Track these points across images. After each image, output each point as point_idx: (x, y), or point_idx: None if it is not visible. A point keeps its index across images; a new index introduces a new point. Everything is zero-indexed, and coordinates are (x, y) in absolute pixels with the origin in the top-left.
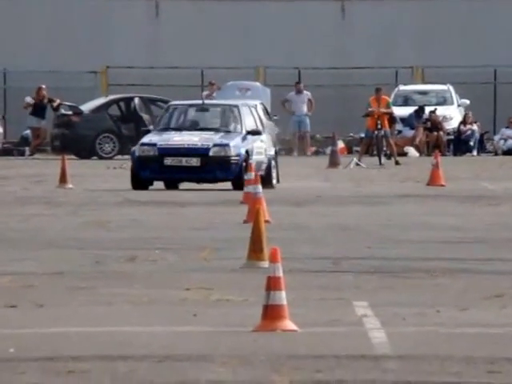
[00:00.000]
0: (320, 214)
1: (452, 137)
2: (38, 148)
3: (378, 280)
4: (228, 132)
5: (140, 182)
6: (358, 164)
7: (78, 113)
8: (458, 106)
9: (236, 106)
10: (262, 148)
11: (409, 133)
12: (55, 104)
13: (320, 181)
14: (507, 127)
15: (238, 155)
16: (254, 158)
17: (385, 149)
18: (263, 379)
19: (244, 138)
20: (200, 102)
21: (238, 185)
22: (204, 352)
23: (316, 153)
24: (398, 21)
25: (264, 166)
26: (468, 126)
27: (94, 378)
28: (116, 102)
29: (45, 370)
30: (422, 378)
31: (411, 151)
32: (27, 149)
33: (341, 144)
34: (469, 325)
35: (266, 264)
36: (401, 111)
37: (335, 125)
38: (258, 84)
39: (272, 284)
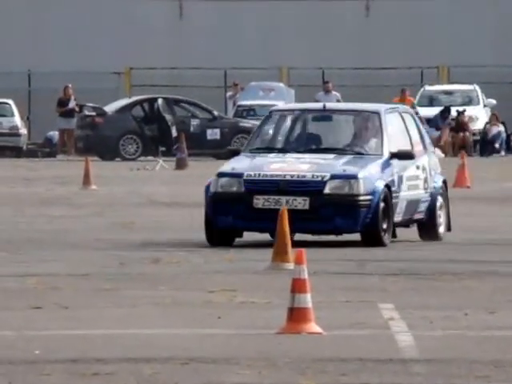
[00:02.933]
0: None
1: (478, 137)
2: (62, 150)
3: (404, 282)
4: (360, 155)
5: (218, 233)
6: None
7: (102, 114)
8: (485, 106)
9: (376, 113)
10: (418, 179)
11: (434, 134)
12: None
13: None
14: None
15: (372, 193)
16: (404, 196)
17: None
18: (288, 382)
19: (385, 165)
20: (320, 105)
21: (372, 239)
22: (228, 354)
23: None
24: (424, 20)
25: (424, 207)
26: (494, 127)
27: (118, 381)
28: (139, 102)
29: (70, 371)
30: (449, 382)
31: (437, 152)
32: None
33: None
34: (497, 328)
35: (290, 266)
36: (426, 112)
37: None
38: (281, 85)
39: (297, 286)
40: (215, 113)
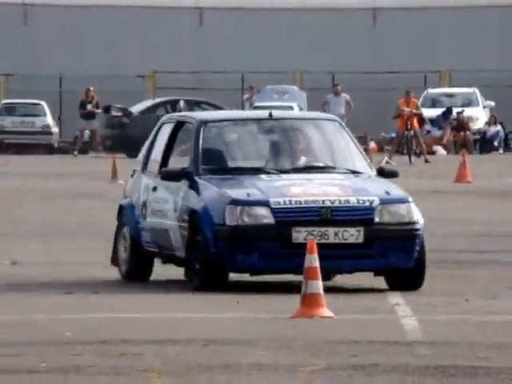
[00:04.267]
0: None
1: (478, 136)
2: (81, 148)
3: None
4: (357, 173)
5: (224, 275)
6: (387, 162)
7: (128, 114)
8: (484, 107)
9: (337, 121)
10: None
11: (437, 133)
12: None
13: None
14: None
15: (418, 221)
16: None
17: (414, 148)
18: (302, 363)
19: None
20: (263, 113)
21: (419, 277)
22: (246, 337)
23: None
24: (427, 27)
25: None
26: (493, 127)
27: (144, 360)
28: (162, 104)
29: (99, 352)
30: (452, 363)
31: (439, 150)
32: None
33: (372, 144)
34: (497, 313)
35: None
36: (429, 112)
37: (367, 126)
38: (295, 88)
39: (310, 274)
40: None
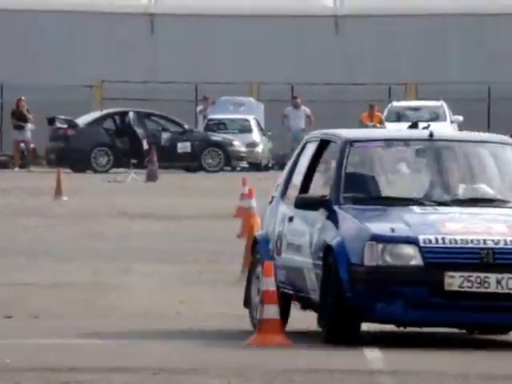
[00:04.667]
0: None
1: None
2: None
3: None
4: None
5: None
6: None
7: (74, 126)
8: (451, 122)
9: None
10: None
11: None
12: (31, 116)
13: None
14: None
15: None
16: None
17: None
18: None
19: None
20: (422, 133)
21: None
22: (198, 365)
23: None
24: (391, 37)
25: None
26: None
27: None
28: (111, 116)
29: (40, 380)
30: None
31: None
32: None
33: None
34: (463, 343)
35: None
36: (394, 127)
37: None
38: (251, 99)
39: (266, 298)
40: (186, 126)
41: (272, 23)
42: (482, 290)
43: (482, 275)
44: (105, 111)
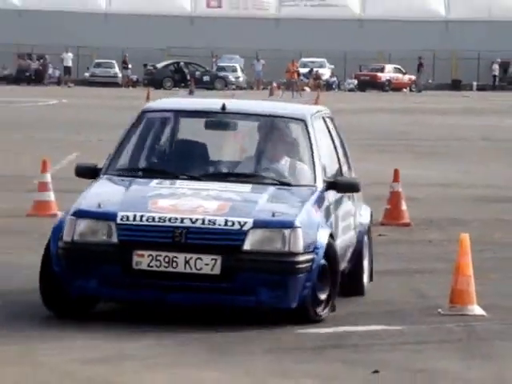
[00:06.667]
0: None
1: (324, 82)
2: None
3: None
4: (285, 185)
5: (69, 300)
6: (281, 96)
7: (155, 68)
8: (328, 68)
9: (302, 121)
10: (350, 215)
11: (306, 80)
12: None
13: None
14: (350, 78)
15: (314, 250)
16: (339, 244)
17: (296, 88)
18: None
19: (321, 201)
20: (215, 104)
21: (305, 316)
22: None
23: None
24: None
25: (349, 253)
26: (332, 78)
27: None
28: (172, 64)
29: None
30: None
31: (307, 89)
32: None
33: (274, 84)
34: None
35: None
36: (302, 70)
37: (272, 76)
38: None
39: None
40: (207, 68)
41: None
42: (171, 269)
43: (171, 255)
44: (169, 61)
